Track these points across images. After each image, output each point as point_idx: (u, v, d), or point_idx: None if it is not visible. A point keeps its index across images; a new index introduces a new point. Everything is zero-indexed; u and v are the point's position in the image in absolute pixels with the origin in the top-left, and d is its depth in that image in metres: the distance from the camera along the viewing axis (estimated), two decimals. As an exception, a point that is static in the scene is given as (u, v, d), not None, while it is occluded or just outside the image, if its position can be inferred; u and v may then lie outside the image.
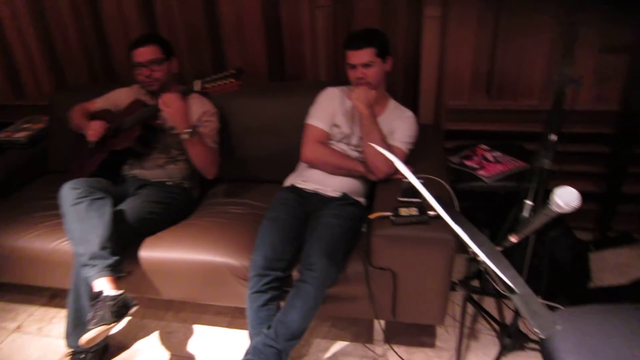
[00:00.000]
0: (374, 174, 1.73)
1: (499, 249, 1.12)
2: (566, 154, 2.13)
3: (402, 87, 2.22)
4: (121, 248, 1.60)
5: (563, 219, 2.08)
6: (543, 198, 1.27)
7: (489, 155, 1.95)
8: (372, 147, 1.64)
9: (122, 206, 1.71)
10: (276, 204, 1.75)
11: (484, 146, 2.01)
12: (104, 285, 1.50)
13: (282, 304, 1.53)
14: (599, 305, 1.29)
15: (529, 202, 1.06)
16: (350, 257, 1.57)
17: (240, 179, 2.15)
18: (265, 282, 1.51)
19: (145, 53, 1.83)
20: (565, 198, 1.01)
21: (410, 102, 2.15)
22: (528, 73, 2.07)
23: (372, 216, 1.50)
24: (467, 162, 1.93)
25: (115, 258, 1.55)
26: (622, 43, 1.95)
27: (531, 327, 0.87)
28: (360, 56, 1.68)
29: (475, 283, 1.99)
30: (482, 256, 0.87)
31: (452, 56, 2.08)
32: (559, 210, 1.03)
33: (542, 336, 0.84)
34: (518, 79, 2.09)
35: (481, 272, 2.00)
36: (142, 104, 1.91)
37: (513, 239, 1.08)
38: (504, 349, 1.68)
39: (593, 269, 1.97)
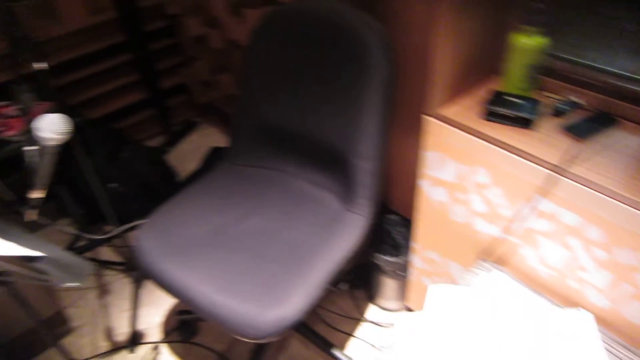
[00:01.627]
0: None
1: (33, 214, 0.97)
2: (99, 74, 2.07)
3: None
4: None
5: (127, 137, 2.08)
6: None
7: (9, 111, 1.65)
8: None
9: None
10: None
11: (-4, 104, 1.68)
12: None
13: None
14: (172, 199, 1.37)
15: (28, 148, 0.93)
16: None
17: None
18: None
19: None
20: (47, 127, 0.92)
21: None
22: None
23: None
24: (-16, 130, 1.59)
25: None
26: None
27: (64, 285, 0.80)
28: None
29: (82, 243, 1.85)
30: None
31: None
32: (54, 142, 0.94)
33: (79, 285, 0.79)
34: None
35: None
36: None
37: (35, 194, 0.95)
38: (137, 282, 1.68)
39: (176, 165, 2.12)
